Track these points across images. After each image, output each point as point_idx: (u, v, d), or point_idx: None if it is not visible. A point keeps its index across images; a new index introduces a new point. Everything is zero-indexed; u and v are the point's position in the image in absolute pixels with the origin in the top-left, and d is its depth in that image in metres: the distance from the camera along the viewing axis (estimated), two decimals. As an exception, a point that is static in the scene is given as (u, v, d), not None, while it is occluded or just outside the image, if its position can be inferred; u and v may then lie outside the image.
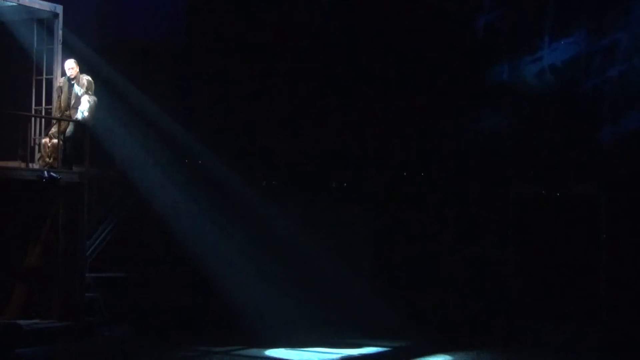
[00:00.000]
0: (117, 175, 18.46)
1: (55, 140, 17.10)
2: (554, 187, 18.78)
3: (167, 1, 20.60)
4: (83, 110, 17.16)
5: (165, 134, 19.60)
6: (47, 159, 17.12)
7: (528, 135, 18.85)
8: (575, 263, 18.36)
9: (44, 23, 17.80)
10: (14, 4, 17.19)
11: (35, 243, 17.17)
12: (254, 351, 16.27)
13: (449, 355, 16.08)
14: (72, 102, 17.32)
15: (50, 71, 17.80)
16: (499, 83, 19.25)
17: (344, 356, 16.08)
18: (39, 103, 17.84)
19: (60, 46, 17.65)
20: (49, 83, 17.78)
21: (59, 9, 17.67)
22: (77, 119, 17.19)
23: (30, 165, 17.00)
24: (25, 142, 17.10)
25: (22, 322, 16.23)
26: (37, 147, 17.55)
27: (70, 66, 17.34)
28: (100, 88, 17.78)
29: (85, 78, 17.38)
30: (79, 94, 17.26)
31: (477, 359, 15.93)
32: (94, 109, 17.31)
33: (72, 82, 17.34)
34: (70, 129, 17.26)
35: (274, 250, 19.40)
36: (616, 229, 18.00)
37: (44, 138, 17.33)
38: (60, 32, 17.65)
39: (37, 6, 17.46)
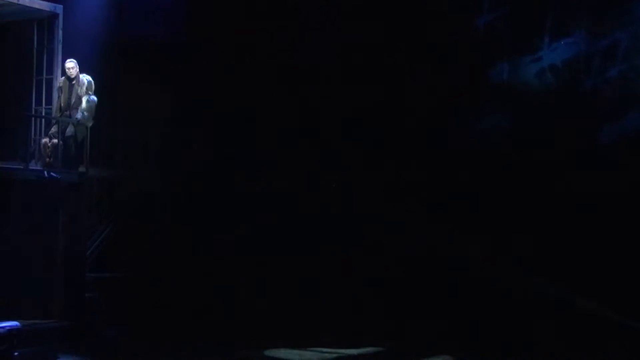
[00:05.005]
0: (117, 175, 18.47)
1: (55, 140, 17.12)
2: (554, 187, 18.78)
3: (167, 1, 20.60)
4: (83, 110, 17.18)
5: (164, 134, 19.61)
6: (47, 159, 17.13)
7: (528, 135, 18.84)
8: (574, 262, 18.37)
9: (44, 23, 17.81)
10: (14, 3, 17.19)
11: (36, 243, 17.18)
12: (254, 351, 16.28)
13: (448, 355, 16.08)
14: (72, 102, 17.35)
15: (50, 71, 17.81)
16: (499, 83, 19.25)
17: (343, 355, 16.09)
18: (39, 103, 17.86)
19: (60, 46, 17.67)
20: (49, 83, 17.79)
21: (59, 9, 17.69)
22: (77, 119, 17.21)
23: (30, 165, 17.01)
24: (25, 142, 17.12)
25: (22, 322, 16.21)
26: (37, 147, 17.56)
27: (70, 66, 17.36)
28: (100, 88, 17.79)
29: (85, 78, 17.40)
30: (79, 94, 17.28)
31: (476, 359, 15.94)
32: (94, 109, 17.34)
33: (72, 82, 17.36)
34: (70, 129, 17.28)
35: (274, 249, 19.40)
36: (616, 228, 18.00)
37: (44, 138, 17.35)
38: (60, 32, 17.67)
39: (37, 6, 17.48)
